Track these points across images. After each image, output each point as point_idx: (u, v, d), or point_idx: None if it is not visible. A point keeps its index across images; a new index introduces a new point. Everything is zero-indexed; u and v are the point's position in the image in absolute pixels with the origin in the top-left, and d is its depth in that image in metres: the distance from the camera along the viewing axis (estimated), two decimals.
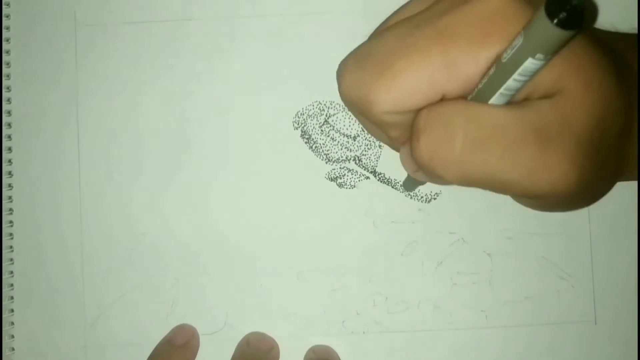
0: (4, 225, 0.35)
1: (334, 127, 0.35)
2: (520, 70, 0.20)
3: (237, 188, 0.35)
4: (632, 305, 0.35)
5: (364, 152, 0.35)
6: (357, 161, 0.35)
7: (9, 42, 0.35)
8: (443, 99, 0.23)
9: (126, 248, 0.35)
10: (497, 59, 0.21)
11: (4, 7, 0.35)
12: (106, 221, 0.35)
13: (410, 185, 0.34)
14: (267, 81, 0.35)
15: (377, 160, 0.35)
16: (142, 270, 0.35)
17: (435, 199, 0.35)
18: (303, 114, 0.35)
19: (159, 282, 0.35)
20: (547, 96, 0.22)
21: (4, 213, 0.35)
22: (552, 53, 0.20)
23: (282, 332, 0.35)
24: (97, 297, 0.35)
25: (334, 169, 0.35)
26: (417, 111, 0.23)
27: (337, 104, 0.35)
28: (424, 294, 0.35)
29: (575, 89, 0.22)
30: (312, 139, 0.35)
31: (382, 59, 0.23)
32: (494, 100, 0.22)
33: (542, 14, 0.18)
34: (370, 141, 0.35)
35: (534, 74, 0.21)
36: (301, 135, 0.35)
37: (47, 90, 0.35)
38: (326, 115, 0.35)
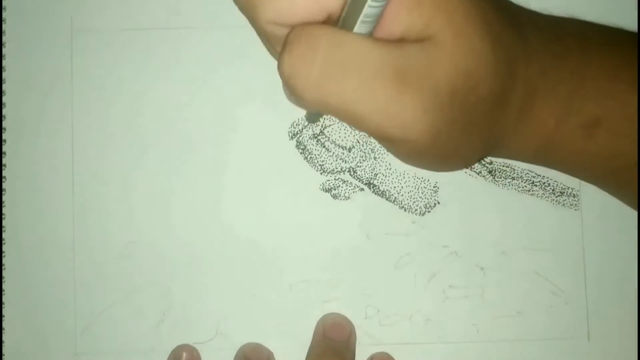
0: None
1: (329, 138, 0.35)
2: None
3: (230, 198, 0.35)
4: (625, 322, 0.35)
5: (358, 164, 0.35)
6: (352, 173, 0.35)
7: (5, 46, 0.35)
8: (329, 20, 0.23)
9: (118, 256, 0.35)
10: None
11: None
12: (98, 229, 0.35)
13: (310, 115, 0.33)
14: (263, 91, 0.35)
15: (371, 172, 0.35)
16: (134, 279, 0.35)
17: (429, 212, 0.35)
18: (298, 125, 0.35)
19: (150, 291, 0.35)
20: (418, 41, 0.22)
21: None
22: None
23: (273, 343, 0.34)
24: (88, 305, 0.35)
25: (329, 180, 0.35)
26: None
27: None
28: (416, 306, 0.35)
29: (444, 37, 0.22)
30: (307, 150, 0.35)
31: None
32: (357, 29, 0.22)
33: None
34: (365, 153, 0.35)
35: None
36: (296, 146, 0.35)
37: (42, 95, 0.35)
38: (322, 126, 0.35)
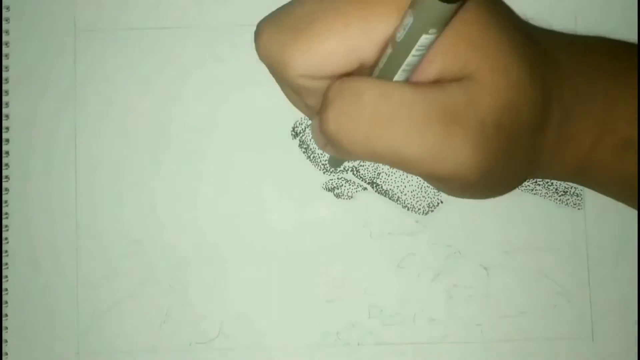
0: None
1: None
2: (417, 46, 0.21)
3: (233, 197, 0.35)
4: (629, 322, 0.34)
5: (361, 163, 0.35)
6: (355, 172, 0.35)
7: (8, 46, 0.35)
8: (360, 68, 0.23)
9: (120, 255, 0.35)
10: (392, 39, 0.22)
11: (3, 10, 0.35)
12: (101, 228, 0.35)
13: (334, 161, 0.34)
14: (265, 90, 0.35)
15: (374, 171, 0.35)
16: (136, 278, 0.35)
17: (432, 211, 0.35)
18: (301, 124, 0.35)
19: (152, 290, 0.35)
20: (456, 80, 0.23)
21: None
22: (443, 25, 0.20)
23: (276, 342, 0.34)
24: (91, 304, 0.35)
25: (332, 180, 0.35)
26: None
27: None
28: (420, 306, 0.35)
29: (482, 73, 0.22)
30: (310, 149, 0.35)
31: (300, 21, 0.23)
32: (397, 77, 0.22)
33: None
34: None
35: (431, 45, 0.21)
36: (299, 145, 0.35)
37: (45, 94, 0.35)
38: None
